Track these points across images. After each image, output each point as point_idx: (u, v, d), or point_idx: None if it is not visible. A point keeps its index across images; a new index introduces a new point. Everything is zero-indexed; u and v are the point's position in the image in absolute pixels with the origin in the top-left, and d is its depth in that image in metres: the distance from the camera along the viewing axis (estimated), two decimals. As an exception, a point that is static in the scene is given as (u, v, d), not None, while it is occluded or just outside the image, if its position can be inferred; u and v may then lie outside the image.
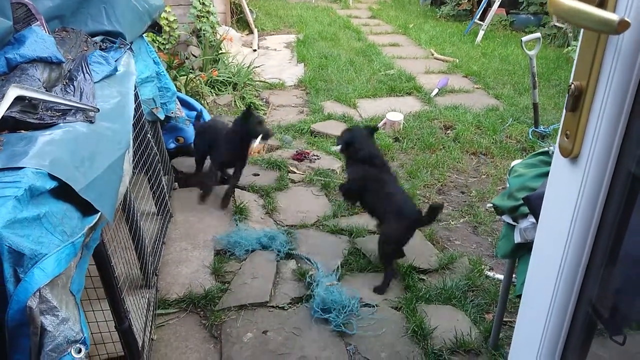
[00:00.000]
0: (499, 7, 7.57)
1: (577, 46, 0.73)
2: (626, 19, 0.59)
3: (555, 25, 7.46)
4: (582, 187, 0.78)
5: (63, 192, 1.40)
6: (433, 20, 8.84)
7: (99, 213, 1.50)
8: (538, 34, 4.37)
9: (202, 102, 4.60)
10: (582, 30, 0.72)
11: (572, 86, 0.74)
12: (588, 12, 0.62)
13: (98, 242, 1.67)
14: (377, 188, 2.75)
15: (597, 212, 0.81)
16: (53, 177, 1.36)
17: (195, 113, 3.91)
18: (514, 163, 2.07)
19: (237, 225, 3.14)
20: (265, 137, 3.19)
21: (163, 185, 3.03)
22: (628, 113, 0.71)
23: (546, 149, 2.02)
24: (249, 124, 3.13)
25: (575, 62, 0.75)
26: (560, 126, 0.79)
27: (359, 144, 2.82)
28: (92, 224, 1.45)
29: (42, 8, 2.30)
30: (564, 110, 0.78)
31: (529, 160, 2.01)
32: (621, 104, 0.71)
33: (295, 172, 3.86)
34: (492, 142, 4.38)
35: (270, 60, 6.62)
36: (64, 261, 1.25)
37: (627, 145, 0.74)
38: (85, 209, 1.47)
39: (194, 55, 5.39)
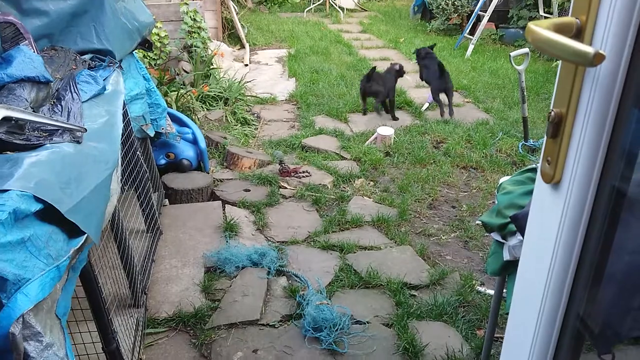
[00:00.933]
0: (488, 21, 7.66)
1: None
2: (601, 51, 0.60)
3: (544, 40, 7.55)
4: (564, 212, 0.79)
5: (48, 214, 1.38)
6: (423, 34, 8.92)
7: (85, 235, 1.48)
8: (526, 49, 4.41)
9: (193, 117, 4.60)
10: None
11: (552, 113, 0.75)
12: (564, 44, 0.63)
13: (85, 263, 1.65)
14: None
15: (580, 236, 0.81)
16: (38, 200, 1.35)
17: (185, 129, 3.91)
18: (502, 180, 2.08)
19: (227, 241, 3.12)
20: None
21: (153, 202, 3.02)
22: (607, 140, 0.72)
23: (534, 165, 2.03)
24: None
25: (554, 89, 0.75)
26: (542, 152, 0.80)
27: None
28: (78, 246, 1.43)
29: (31, 27, 2.30)
30: (545, 137, 0.79)
31: (517, 177, 2.01)
32: (600, 131, 0.71)
33: (286, 187, 3.85)
34: (483, 156, 4.40)
35: (262, 75, 6.65)
36: (48, 285, 1.24)
37: (607, 171, 0.74)
38: (71, 230, 1.46)
39: (185, 71, 5.40)
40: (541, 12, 7.62)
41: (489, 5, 7.50)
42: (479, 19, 7.73)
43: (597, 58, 0.60)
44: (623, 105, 0.68)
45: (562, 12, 7.48)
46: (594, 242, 0.78)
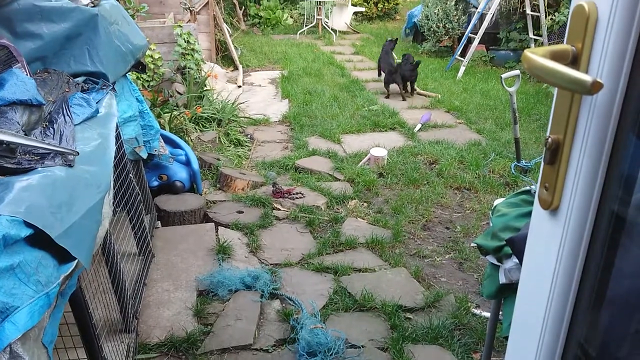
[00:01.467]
0: (478, 43, 7.76)
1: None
2: (599, 80, 0.60)
3: (534, 61, 7.65)
4: (563, 239, 0.78)
5: (39, 239, 1.36)
6: (415, 56, 8.99)
7: (76, 260, 1.46)
8: (517, 71, 4.46)
9: (186, 138, 4.59)
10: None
11: (549, 139, 0.75)
12: (561, 72, 0.63)
13: (74, 288, 1.62)
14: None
15: (580, 262, 0.80)
16: (29, 225, 1.33)
17: (178, 150, 3.90)
18: (496, 202, 2.08)
19: (220, 264, 3.09)
20: None
21: (145, 224, 2.99)
22: (605, 166, 0.71)
23: (527, 187, 2.03)
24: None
25: (551, 116, 0.75)
26: (539, 178, 0.80)
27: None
28: (68, 272, 1.41)
29: (24, 50, 2.30)
30: (542, 163, 0.79)
31: (511, 200, 2.01)
32: (598, 157, 0.71)
33: (279, 209, 3.84)
34: (476, 177, 4.41)
35: (255, 96, 6.67)
36: (37, 313, 1.21)
37: (605, 197, 0.74)
38: (62, 255, 1.43)
39: (178, 93, 5.41)
40: (531, 35, 7.73)
41: (480, 28, 7.61)
42: (469, 41, 7.84)
43: (595, 86, 0.60)
44: (620, 132, 0.68)
45: (551, 34, 7.60)
46: (594, 268, 0.77)
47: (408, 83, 6.72)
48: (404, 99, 6.57)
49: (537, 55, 0.66)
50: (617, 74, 0.65)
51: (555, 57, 0.67)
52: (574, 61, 0.68)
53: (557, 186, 0.76)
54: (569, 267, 0.78)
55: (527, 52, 0.67)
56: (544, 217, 0.80)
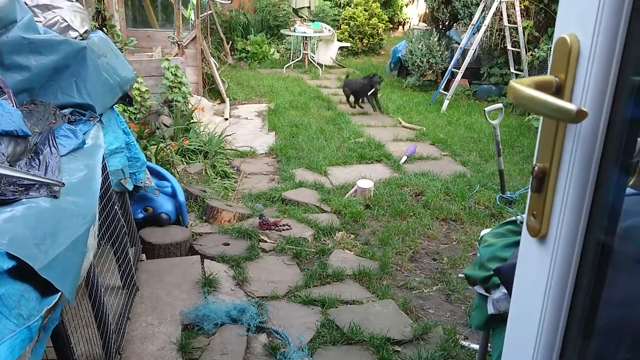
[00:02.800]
0: (461, 78, 7.92)
1: (538, 120, 0.76)
2: (583, 109, 0.62)
3: (516, 95, 7.81)
4: (552, 266, 0.79)
5: (21, 271, 1.34)
6: (400, 90, 9.16)
7: (59, 293, 1.43)
8: (500, 105, 4.55)
9: (173, 171, 4.57)
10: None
11: (536, 168, 0.76)
12: (547, 101, 0.65)
13: (57, 322, 1.59)
14: None
15: (569, 288, 0.81)
16: (11, 256, 1.31)
17: (164, 182, 3.88)
18: (483, 232, 2.10)
19: (206, 297, 3.04)
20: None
21: (129, 257, 2.95)
22: (592, 193, 0.73)
23: (513, 218, 2.05)
24: None
25: (537, 144, 0.77)
26: (527, 207, 0.81)
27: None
28: (51, 305, 1.38)
29: (11, 81, 2.30)
30: (529, 191, 0.80)
31: (498, 230, 2.03)
32: (584, 184, 0.72)
33: (266, 241, 3.81)
34: (462, 208, 4.44)
35: (242, 128, 6.70)
36: (18, 347, 1.18)
37: (592, 224, 0.75)
38: (45, 288, 1.41)
39: (165, 125, 5.42)
40: (512, 70, 7.92)
41: (462, 63, 7.79)
42: (452, 75, 8.00)
43: (580, 115, 0.61)
44: (605, 160, 0.69)
45: (532, 69, 7.78)
46: (583, 294, 0.77)
47: (372, 98, 7.43)
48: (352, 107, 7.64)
49: (522, 86, 0.68)
50: (600, 104, 0.67)
51: (540, 87, 0.69)
52: (557, 91, 0.70)
53: (544, 214, 0.77)
54: (559, 293, 0.78)
55: (512, 83, 0.69)
56: (532, 244, 0.81)
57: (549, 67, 0.73)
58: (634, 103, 0.67)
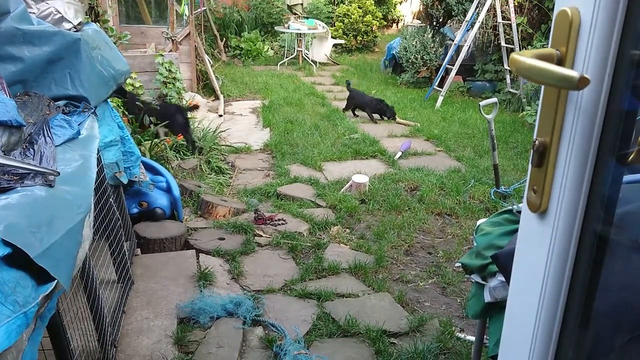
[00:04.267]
0: (455, 74, 7.94)
1: (533, 109, 0.76)
2: (585, 75, 0.61)
3: (510, 92, 7.85)
4: (553, 241, 0.79)
5: (17, 258, 1.33)
6: (394, 87, 9.17)
7: (55, 281, 1.42)
8: (494, 99, 4.57)
9: (167, 166, 4.55)
10: (542, 87, 0.74)
11: (537, 142, 0.76)
12: (549, 69, 0.65)
13: (53, 312, 1.57)
14: None
15: (570, 262, 0.81)
16: (7, 243, 1.30)
17: (159, 177, 3.87)
18: (479, 222, 2.10)
19: (201, 291, 3.03)
20: None
21: (125, 251, 2.93)
22: (592, 167, 0.73)
23: (510, 207, 2.05)
24: None
25: (537, 118, 0.77)
26: (527, 182, 0.81)
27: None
28: (47, 293, 1.37)
29: (5, 72, 2.28)
30: (530, 166, 0.80)
31: (494, 219, 2.03)
32: (585, 157, 0.72)
33: (261, 236, 3.80)
34: (456, 203, 4.45)
35: (236, 125, 6.68)
36: (14, 333, 1.17)
37: (593, 198, 0.75)
38: (41, 276, 1.39)
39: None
40: (506, 66, 7.95)
41: (456, 60, 7.80)
42: (447, 72, 8.01)
43: (582, 81, 0.61)
44: (606, 131, 0.69)
45: (526, 66, 7.80)
46: (584, 268, 0.77)
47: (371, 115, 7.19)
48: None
49: (524, 57, 0.68)
50: (601, 74, 0.67)
51: (541, 59, 0.69)
52: (559, 64, 0.70)
53: (545, 189, 0.77)
54: (559, 268, 0.78)
55: (514, 55, 0.69)
56: (532, 220, 0.81)
57: (550, 40, 0.73)
58: (635, 74, 0.67)
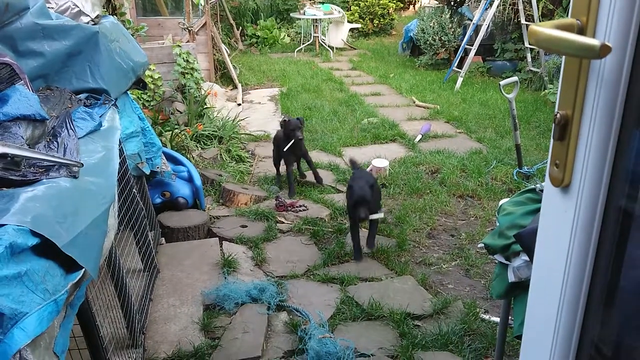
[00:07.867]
0: (475, 55, 7.80)
1: (556, 87, 0.74)
2: (607, 43, 0.60)
3: (531, 70, 7.69)
4: (576, 215, 0.77)
5: (45, 248, 1.36)
6: (412, 69, 9.07)
7: (83, 269, 1.45)
8: (515, 78, 4.48)
9: (188, 156, 4.59)
10: (563, 59, 0.73)
11: (558, 115, 0.75)
12: (569, 39, 0.63)
13: (82, 300, 1.61)
14: None
15: (594, 239, 0.79)
16: (35, 234, 1.33)
17: (180, 167, 3.91)
18: (502, 202, 2.08)
19: (225, 278, 3.07)
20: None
21: (149, 240, 2.98)
22: (616, 138, 0.71)
23: (532, 186, 2.03)
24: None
25: (559, 91, 0.75)
26: (550, 156, 0.79)
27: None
28: (75, 281, 1.40)
29: (27, 67, 2.32)
30: (552, 140, 0.78)
31: (517, 199, 2.01)
32: (608, 129, 0.71)
33: (283, 222, 3.82)
34: (478, 185, 4.40)
35: (255, 113, 6.70)
36: (46, 320, 1.20)
37: (617, 170, 0.73)
38: (69, 265, 1.43)
39: (178, 111, 5.43)
40: (526, 44, 7.79)
41: (475, 40, 7.67)
42: (466, 52, 7.88)
43: (604, 50, 0.60)
44: (629, 102, 0.68)
45: (547, 43, 7.64)
46: (608, 244, 0.76)
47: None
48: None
49: (544, 28, 0.66)
50: (624, 43, 0.65)
51: (561, 30, 0.68)
52: (579, 33, 0.69)
53: (567, 162, 0.76)
54: (583, 243, 0.77)
55: (533, 26, 0.68)
56: (555, 195, 0.79)
57: (570, 10, 0.71)
58: (659, 42, 0.66)
